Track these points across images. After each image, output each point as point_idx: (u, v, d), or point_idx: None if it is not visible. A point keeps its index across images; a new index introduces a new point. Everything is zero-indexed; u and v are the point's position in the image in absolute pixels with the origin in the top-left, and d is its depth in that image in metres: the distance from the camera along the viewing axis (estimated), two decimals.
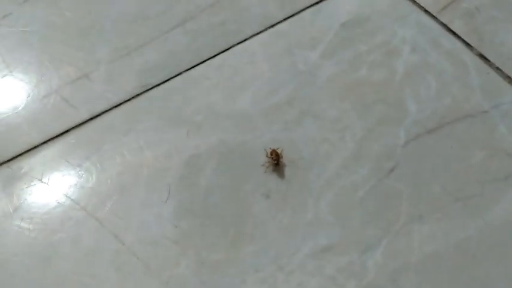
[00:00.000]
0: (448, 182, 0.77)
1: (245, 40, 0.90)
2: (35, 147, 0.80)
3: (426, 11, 0.92)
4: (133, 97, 0.85)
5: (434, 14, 0.92)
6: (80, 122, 0.82)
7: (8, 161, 0.79)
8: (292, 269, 0.71)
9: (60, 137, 0.81)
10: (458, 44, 0.89)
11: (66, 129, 0.82)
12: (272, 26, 0.91)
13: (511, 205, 0.75)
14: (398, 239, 0.73)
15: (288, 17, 0.92)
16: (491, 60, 0.87)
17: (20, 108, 0.84)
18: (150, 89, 0.85)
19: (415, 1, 0.93)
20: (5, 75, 0.87)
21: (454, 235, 0.73)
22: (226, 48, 0.89)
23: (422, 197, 0.76)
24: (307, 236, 0.73)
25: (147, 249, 0.73)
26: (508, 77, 0.85)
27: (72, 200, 0.76)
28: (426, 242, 0.73)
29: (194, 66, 0.87)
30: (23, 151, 0.80)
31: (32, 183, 0.78)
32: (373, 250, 0.72)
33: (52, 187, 0.77)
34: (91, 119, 0.83)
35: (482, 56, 0.87)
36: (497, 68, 0.86)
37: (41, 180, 0.78)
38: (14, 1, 0.94)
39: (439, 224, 0.74)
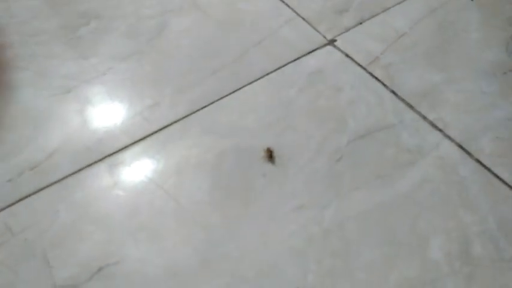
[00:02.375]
0: (372, 167, 0.77)
1: (251, 83, 0.88)
2: (126, 146, 0.80)
3: (359, 65, 0.91)
4: (185, 116, 0.84)
5: (364, 66, 0.91)
6: (153, 131, 0.82)
7: (111, 154, 0.79)
8: (279, 219, 0.71)
9: (141, 141, 0.81)
10: (379, 85, 0.88)
11: (145, 135, 0.81)
12: (267, 74, 0.90)
13: (410, 180, 0.75)
14: (343, 200, 0.73)
15: (276, 69, 0.91)
16: (399, 94, 0.86)
17: (118, 123, 0.83)
18: (196, 111, 0.84)
19: (352, 59, 0.92)
20: (109, 104, 0.86)
21: (376, 199, 0.73)
22: (240, 87, 0.88)
23: (357, 176, 0.76)
24: (288, 200, 0.73)
25: (194, 208, 0.72)
26: (408, 103, 0.84)
27: (148, 177, 0.76)
28: (360, 202, 0.73)
29: (221, 98, 0.86)
30: (119, 149, 0.79)
31: (125, 167, 0.77)
32: (328, 208, 0.72)
33: (136, 170, 0.77)
34: (160, 129, 0.82)
35: (393, 92, 0.87)
36: (402, 99, 0.85)
37: (130, 166, 0.77)
38: (114, 59, 0.93)
39: (367, 192, 0.74)
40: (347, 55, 0.93)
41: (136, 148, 0.79)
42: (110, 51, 0.95)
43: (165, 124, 0.83)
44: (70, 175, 0.76)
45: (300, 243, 0.68)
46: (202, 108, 0.85)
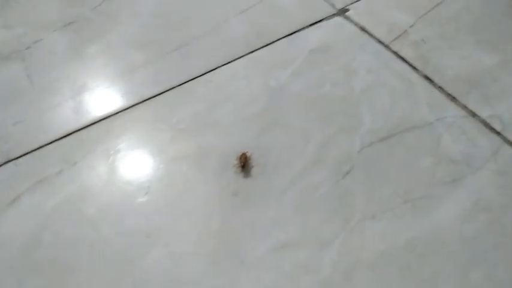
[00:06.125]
0: (398, 184, 0.57)
1: (229, 62, 0.71)
2: (41, 147, 0.60)
3: (380, 41, 0.73)
4: (133, 105, 0.65)
5: (386, 44, 0.73)
6: (82, 126, 0.62)
7: (17, 158, 0.59)
8: (254, 263, 0.51)
9: (64, 139, 0.61)
10: (406, 67, 0.70)
11: (71, 131, 0.62)
12: (251, 52, 0.72)
13: (456, 207, 0.55)
14: (353, 236, 0.53)
15: (265, 45, 0.73)
16: (435, 81, 0.68)
17: (36, 114, 0.64)
18: (148, 98, 0.66)
19: (370, 33, 0.75)
20: (26, 89, 0.67)
21: (404, 234, 0.53)
22: (213, 68, 0.70)
23: (374, 198, 0.56)
24: (268, 233, 0.54)
25: (121, 240, 0.53)
26: (450, 95, 0.66)
27: (63, 194, 0.56)
28: (378, 240, 0.53)
29: (186, 81, 0.68)
30: (30, 150, 0.60)
31: (32, 177, 0.57)
32: (329, 247, 0.53)
33: (48, 181, 0.57)
34: (94, 123, 0.63)
35: (426, 77, 0.68)
36: (440, 87, 0.67)
37: (40, 175, 0.57)
38: (47, 29, 0.76)
39: (389, 223, 0.54)
40: (363, 28, 0.75)
41: (53, 149, 0.60)
42: (42, 18, 0.79)
43: (102, 115, 0.64)
44: None
45: None
46: (158, 94, 0.67)
